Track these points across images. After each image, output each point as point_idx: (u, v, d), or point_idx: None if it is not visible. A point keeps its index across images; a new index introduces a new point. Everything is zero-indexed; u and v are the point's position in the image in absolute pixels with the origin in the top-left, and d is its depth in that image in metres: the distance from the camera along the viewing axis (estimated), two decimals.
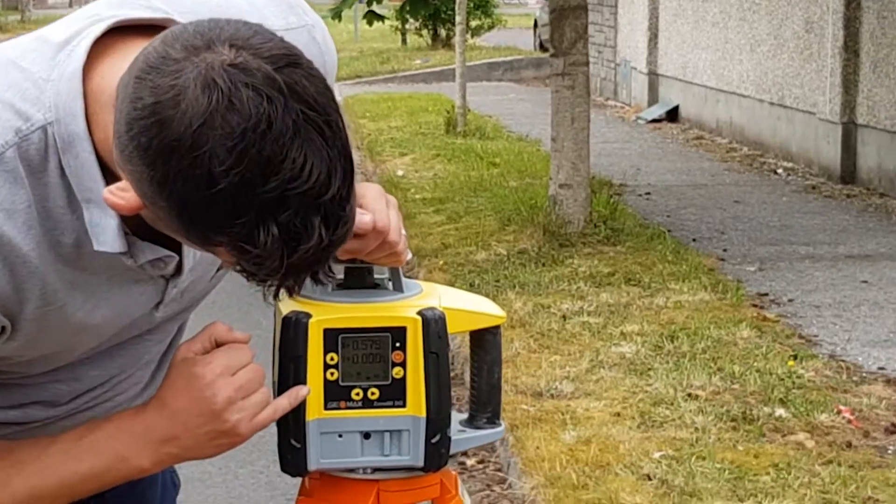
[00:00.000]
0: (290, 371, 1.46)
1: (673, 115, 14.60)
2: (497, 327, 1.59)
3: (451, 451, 1.53)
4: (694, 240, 8.04)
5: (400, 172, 10.83)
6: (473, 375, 1.59)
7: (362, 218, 1.40)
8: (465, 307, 1.58)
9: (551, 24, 7.96)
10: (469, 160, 11.15)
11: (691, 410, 4.85)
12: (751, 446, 4.52)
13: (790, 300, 6.58)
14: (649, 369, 5.36)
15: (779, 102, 11.61)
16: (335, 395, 1.48)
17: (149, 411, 1.42)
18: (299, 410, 1.47)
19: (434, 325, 1.49)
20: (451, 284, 6.85)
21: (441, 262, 7.37)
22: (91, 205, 1.32)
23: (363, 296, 1.53)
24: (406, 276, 1.57)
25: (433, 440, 1.50)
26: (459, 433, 1.58)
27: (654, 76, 15.37)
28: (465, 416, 1.61)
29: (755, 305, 6.42)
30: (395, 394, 1.50)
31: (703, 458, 4.37)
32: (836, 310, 6.38)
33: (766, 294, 6.69)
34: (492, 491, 4.51)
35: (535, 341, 5.78)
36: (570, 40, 7.73)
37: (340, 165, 1.21)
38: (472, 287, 6.72)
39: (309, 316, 1.47)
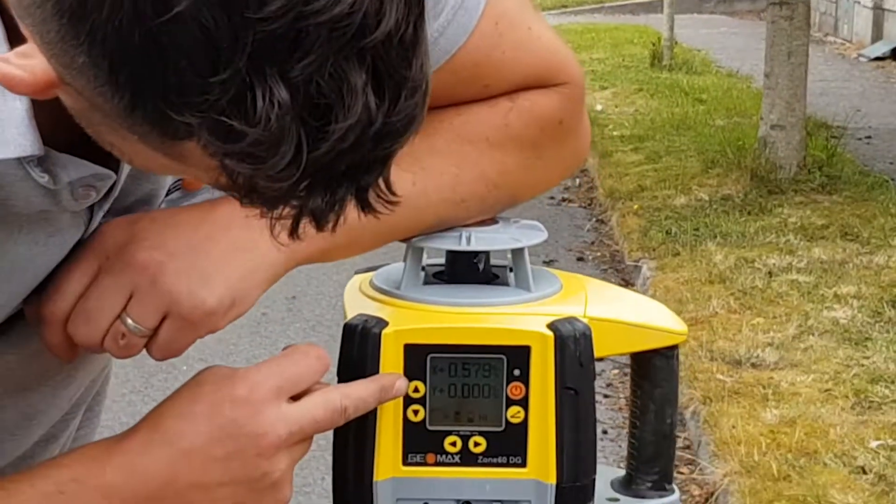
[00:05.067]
0: None
1: None
2: (673, 348, 1.05)
3: None
4: None
5: (599, 107, 10.18)
6: (634, 418, 1.06)
7: None
8: (625, 317, 1.04)
9: None
10: (673, 96, 10.44)
11: None
12: None
13: None
14: (867, 339, 4.71)
15: None
16: (420, 444, 0.98)
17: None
18: (363, 465, 0.97)
19: (573, 346, 0.96)
20: (646, 231, 6.25)
21: (636, 206, 6.78)
22: None
23: (469, 294, 1.01)
24: (542, 264, 1.04)
25: None
26: None
27: (879, 11, 14.29)
28: (617, 474, 1.08)
29: None
30: (510, 447, 0.98)
31: None
32: None
33: None
34: (679, 473, 3.95)
35: (735, 300, 5.17)
36: None
37: None
38: (668, 235, 6.13)
39: (384, 324, 0.96)
